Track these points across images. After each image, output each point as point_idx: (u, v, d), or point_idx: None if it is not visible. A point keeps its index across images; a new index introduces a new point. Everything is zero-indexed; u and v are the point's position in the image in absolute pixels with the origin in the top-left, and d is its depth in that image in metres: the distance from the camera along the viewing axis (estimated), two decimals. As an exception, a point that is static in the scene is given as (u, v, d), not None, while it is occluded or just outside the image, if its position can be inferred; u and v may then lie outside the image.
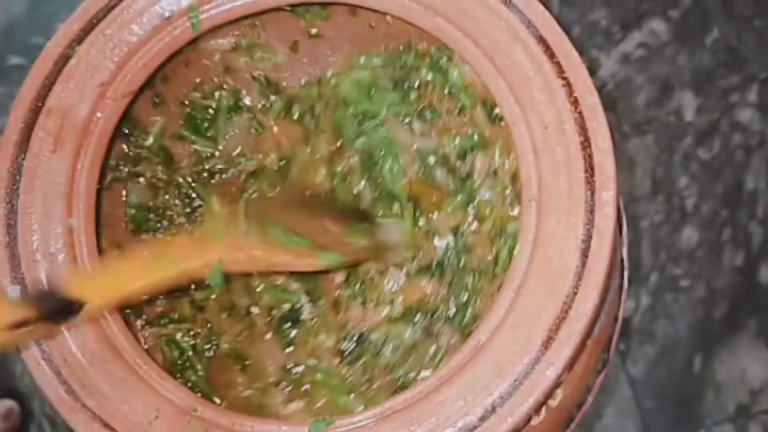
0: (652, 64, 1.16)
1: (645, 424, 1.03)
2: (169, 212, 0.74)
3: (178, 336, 0.70)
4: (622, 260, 0.65)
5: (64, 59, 0.62)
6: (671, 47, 1.17)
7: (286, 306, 0.73)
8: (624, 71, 1.16)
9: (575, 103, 0.58)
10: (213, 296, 0.73)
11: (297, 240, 0.65)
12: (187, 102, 0.74)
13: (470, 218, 0.72)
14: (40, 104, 0.61)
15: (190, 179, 0.75)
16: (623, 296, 0.66)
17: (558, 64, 0.59)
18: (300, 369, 0.71)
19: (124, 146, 0.71)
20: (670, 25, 1.18)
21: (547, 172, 0.57)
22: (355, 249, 0.69)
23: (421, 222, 0.73)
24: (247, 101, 0.77)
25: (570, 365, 0.54)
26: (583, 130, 0.58)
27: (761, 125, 1.13)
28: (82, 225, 0.60)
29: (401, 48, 0.72)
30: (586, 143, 0.57)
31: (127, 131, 0.70)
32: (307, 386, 0.70)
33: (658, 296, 1.07)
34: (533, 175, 0.58)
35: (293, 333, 0.73)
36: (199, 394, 0.60)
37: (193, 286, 0.72)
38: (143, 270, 0.57)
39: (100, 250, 0.61)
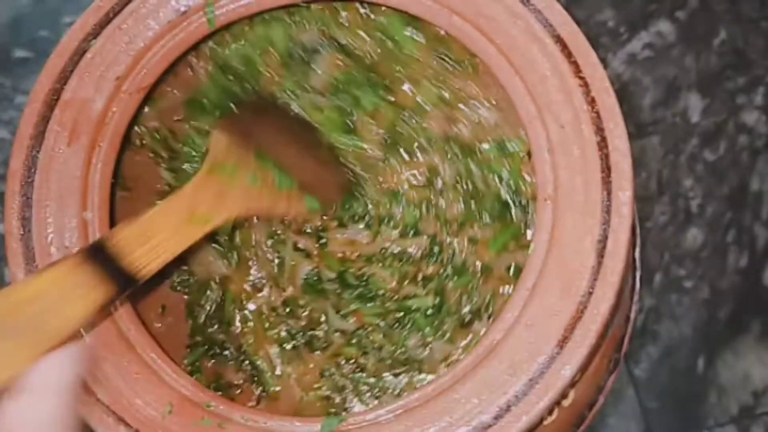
0: (658, 65, 1.16)
1: (648, 424, 1.03)
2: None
3: None
4: (634, 260, 0.65)
5: (79, 53, 0.62)
6: (678, 48, 1.17)
7: None
8: (630, 72, 1.16)
9: (592, 102, 0.58)
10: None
11: (288, 183, 0.68)
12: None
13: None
14: (55, 98, 0.61)
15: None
16: (635, 297, 0.66)
17: (575, 64, 0.59)
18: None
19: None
20: (676, 27, 1.18)
21: (563, 171, 0.57)
22: (332, 190, 0.72)
23: None
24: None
25: (585, 365, 0.54)
26: (600, 130, 0.58)
27: (767, 127, 1.13)
28: (97, 218, 0.60)
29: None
30: (602, 143, 0.57)
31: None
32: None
33: (662, 297, 1.08)
34: (549, 175, 0.58)
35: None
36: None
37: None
38: (179, 232, 0.59)
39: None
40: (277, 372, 0.72)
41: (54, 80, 0.62)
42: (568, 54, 0.60)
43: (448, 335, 0.72)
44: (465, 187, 0.73)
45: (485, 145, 0.73)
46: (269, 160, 0.67)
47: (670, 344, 1.06)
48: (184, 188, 0.61)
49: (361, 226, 0.74)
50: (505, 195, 0.72)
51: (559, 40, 0.60)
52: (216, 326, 0.74)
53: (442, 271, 0.73)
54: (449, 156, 0.73)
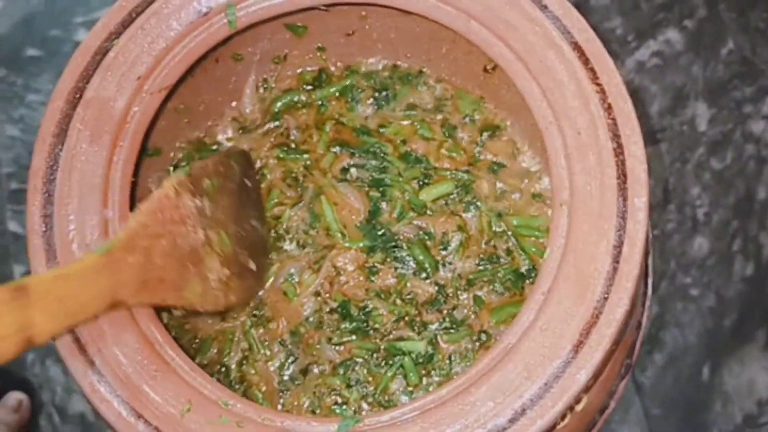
0: (666, 74, 1.17)
1: (652, 431, 1.03)
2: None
3: None
4: (646, 267, 0.66)
5: (102, 52, 0.63)
6: (686, 57, 1.18)
7: None
8: (638, 80, 1.17)
9: (609, 109, 0.59)
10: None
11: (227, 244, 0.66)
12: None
13: None
14: (78, 96, 0.62)
15: None
16: (647, 303, 0.67)
17: (592, 70, 0.60)
18: None
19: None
20: (684, 35, 1.19)
21: (579, 177, 0.58)
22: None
23: None
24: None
25: (599, 370, 0.55)
26: (616, 136, 0.58)
27: (774, 137, 1.14)
28: (117, 216, 0.60)
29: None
30: (619, 150, 0.58)
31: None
32: None
33: (668, 305, 1.08)
34: (565, 180, 0.58)
35: None
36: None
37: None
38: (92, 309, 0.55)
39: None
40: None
41: (77, 79, 0.62)
42: (585, 61, 0.60)
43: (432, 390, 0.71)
44: (486, 246, 0.74)
45: (515, 220, 0.74)
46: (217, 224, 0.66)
47: (675, 352, 1.06)
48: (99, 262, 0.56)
49: (379, 255, 0.74)
50: (524, 268, 0.73)
51: (576, 47, 0.61)
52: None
53: (440, 321, 0.72)
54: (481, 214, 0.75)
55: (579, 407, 0.56)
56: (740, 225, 1.11)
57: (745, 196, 1.12)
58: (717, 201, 1.12)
